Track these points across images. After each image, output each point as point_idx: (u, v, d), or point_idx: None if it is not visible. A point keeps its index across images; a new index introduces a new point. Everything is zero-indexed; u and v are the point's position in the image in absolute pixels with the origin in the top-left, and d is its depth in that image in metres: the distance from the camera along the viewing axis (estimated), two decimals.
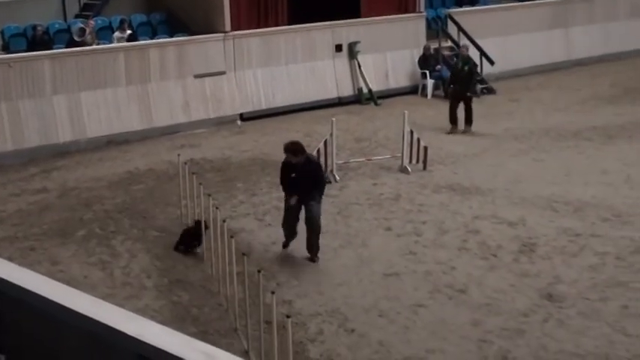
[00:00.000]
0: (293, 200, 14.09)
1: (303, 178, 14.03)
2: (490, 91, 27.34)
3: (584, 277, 13.34)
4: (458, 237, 15.04)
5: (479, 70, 27.57)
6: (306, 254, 14.38)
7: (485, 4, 31.12)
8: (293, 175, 14.13)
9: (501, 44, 28.99)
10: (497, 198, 17.11)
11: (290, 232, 14.59)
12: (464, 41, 23.89)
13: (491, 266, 13.80)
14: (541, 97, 26.72)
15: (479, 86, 26.91)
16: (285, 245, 14.77)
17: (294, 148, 14.26)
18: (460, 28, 28.12)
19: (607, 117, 23.87)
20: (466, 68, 22.77)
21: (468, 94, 22.41)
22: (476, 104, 25.27)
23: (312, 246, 14.28)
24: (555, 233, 15.15)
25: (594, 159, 19.78)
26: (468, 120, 22.31)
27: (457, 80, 22.78)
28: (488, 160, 19.83)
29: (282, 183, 14.56)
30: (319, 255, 14.25)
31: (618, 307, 12.27)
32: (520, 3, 31.65)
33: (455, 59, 26.92)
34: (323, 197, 14.60)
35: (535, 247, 14.54)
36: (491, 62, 27.93)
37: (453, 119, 22.31)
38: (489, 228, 15.50)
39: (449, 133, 22.08)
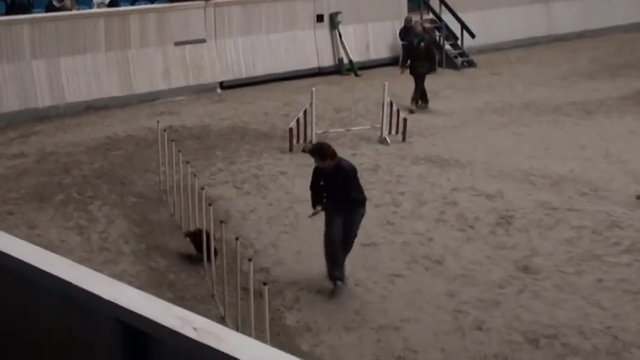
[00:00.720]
0: (318, 210, 12.01)
1: (332, 187, 11.80)
2: (471, 64, 27.40)
3: (559, 250, 13.38)
4: (436, 208, 15.05)
5: (460, 43, 27.67)
6: None
7: None
8: (322, 182, 11.94)
9: (483, 18, 29.04)
10: (475, 170, 17.14)
11: (340, 264, 11.97)
12: (416, 17, 23.31)
13: (468, 238, 13.83)
14: (521, 72, 26.78)
15: (459, 59, 27.00)
16: (338, 278, 11.90)
17: (319, 151, 11.95)
18: (442, 1, 28.09)
19: (586, 92, 23.93)
20: (422, 45, 22.07)
21: (423, 71, 21.76)
22: (457, 76, 25.52)
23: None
24: (532, 206, 15.18)
25: (573, 134, 19.84)
26: (423, 98, 21.90)
27: (412, 57, 22.08)
28: (467, 133, 19.85)
29: (310, 189, 12.25)
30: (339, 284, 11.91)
31: (593, 281, 12.32)
32: None
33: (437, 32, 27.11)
34: (357, 209, 12.08)
35: (512, 220, 14.57)
36: (472, 35, 27.99)
37: (420, 95, 21.94)
38: (467, 200, 15.52)
39: (412, 111, 21.45)
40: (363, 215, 12.16)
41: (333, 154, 11.80)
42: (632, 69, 26.97)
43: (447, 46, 27.54)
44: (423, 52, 21.88)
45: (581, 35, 32.27)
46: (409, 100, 21.56)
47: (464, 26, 27.95)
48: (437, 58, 22.97)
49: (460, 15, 27.97)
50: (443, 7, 28.01)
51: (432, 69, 21.93)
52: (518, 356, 10.31)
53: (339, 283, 11.84)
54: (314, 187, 12.10)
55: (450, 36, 27.87)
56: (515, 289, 12.03)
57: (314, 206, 12.10)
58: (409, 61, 22.19)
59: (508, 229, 14.20)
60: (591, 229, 14.20)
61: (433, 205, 15.21)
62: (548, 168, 17.20)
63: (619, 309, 11.48)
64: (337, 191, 11.75)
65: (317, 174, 12.03)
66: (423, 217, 14.72)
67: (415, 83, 21.85)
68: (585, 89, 24.32)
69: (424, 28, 26.97)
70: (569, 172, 16.96)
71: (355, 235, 12.11)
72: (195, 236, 12.72)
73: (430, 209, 15.02)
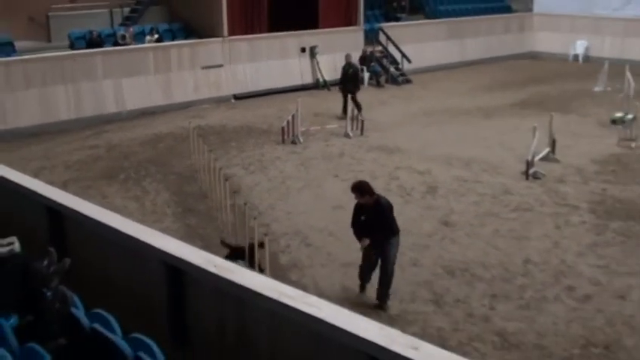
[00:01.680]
0: (365, 243, 9.74)
1: (372, 221, 9.70)
2: (408, 81, 27.27)
3: (469, 209, 13.45)
4: (384, 182, 15.04)
5: (400, 66, 27.70)
6: None
7: (405, 20, 31.08)
8: (363, 217, 9.78)
9: (416, 49, 28.92)
10: (412, 155, 17.13)
11: (365, 279, 10.18)
12: (349, 52, 22.78)
13: (407, 202, 13.86)
14: (443, 87, 26.75)
15: (400, 78, 26.98)
16: (362, 289, 10.24)
17: (359, 188, 9.85)
18: (388, 37, 28.03)
19: (487, 101, 23.95)
20: (350, 71, 21.41)
21: (351, 90, 20.62)
22: (398, 90, 25.48)
23: (381, 293, 9.88)
24: (451, 180, 15.23)
25: (478, 129, 19.84)
26: (358, 108, 20.53)
27: (344, 80, 21.31)
28: (406, 130, 19.80)
29: (352, 225, 9.94)
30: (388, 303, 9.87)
31: (492, 230, 12.42)
32: (428, 20, 31.76)
33: (385, 59, 27.11)
34: (393, 239, 9.82)
35: (437, 189, 14.62)
36: (409, 61, 27.95)
37: (345, 109, 20.29)
38: (406, 176, 15.54)
39: (340, 119, 20.60)
40: (397, 244, 9.91)
41: (371, 191, 9.78)
42: (517, 85, 27.07)
43: (392, 69, 27.45)
44: (352, 76, 21.29)
45: (483, 61, 32.36)
46: (367, 106, 21.52)
47: (403, 54, 27.88)
48: (359, 81, 22.15)
49: (401, 46, 27.92)
50: (389, 41, 27.96)
51: (356, 88, 21.02)
52: (441, 283, 10.40)
53: (387, 303, 9.86)
54: (355, 223, 9.87)
55: (394, 61, 27.80)
56: (439, 237, 12.11)
57: (359, 240, 9.84)
58: (341, 83, 21.55)
59: (434, 196, 14.26)
60: (491, 195, 14.28)
61: (383, 180, 15.19)
62: (461, 153, 17.22)
63: (509, 249, 11.60)
64: (377, 226, 9.68)
65: (358, 210, 9.85)
66: (375, 188, 14.63)
67: (344, 98, 20.72)
68: (486, 99, 24.33)
69: (376, 56, 27.00)
70: (476, 156, 16.98)
71: (393, 263, 9.86)
72: (231, 249, 10.28)
73: (381, 182, 14.97)
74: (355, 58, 23.70)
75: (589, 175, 15.63)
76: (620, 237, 12.14)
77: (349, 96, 20.28)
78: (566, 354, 8.53)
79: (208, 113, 22.09)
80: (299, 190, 14.71)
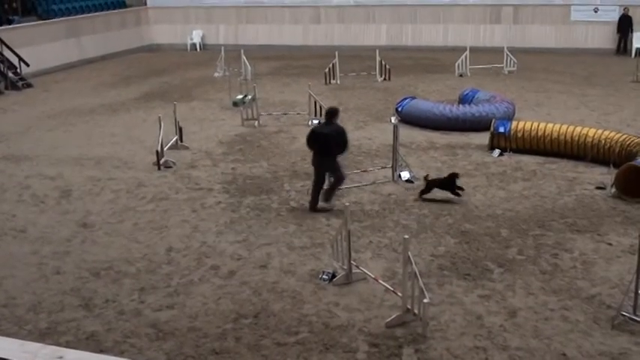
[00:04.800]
0: None
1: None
2: (29, 85, 25.98)
3: (106, 208, 13.21)
4: (16, 192, 14.22)
5: (19, 70, 26.29)
6: None
7: (18, 23, 29.49)
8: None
9: (34, 51, 27.67)
10: (41, 161, 16.38)
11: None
12: None
13: (42, 210, 13.23)
14: (65, 87, 25.96)
15: (20, 82, 25.65)
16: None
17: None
18: (2, 42, 26.31)
19: (112, 97, 23.72)
20: None
21: None
22: (20, 95, 24.30)
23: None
24: (84, 180, 14.83)
25: (106, 127, 19.53)
26: None
27: None
28: (32, 135, 18.81)
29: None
30: None
31: (131, 225, 12.33)
32: (43, 21, 30.54)
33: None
34: None
35: (71, 192, 14.15)
36: (27, 64, 26.64)
37: None
38: (37, 183, 14.82)
39: None
40: None
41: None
42: (139, 78, 27.21)
43: (10, 74, 25.91)
44: None
45: (103, 57, 32.03)
46: None
47: (20, 58, 26.40)
48: None
49: (17, 49, 26.41)
50: (3, 45, 26.28)
51: None
52: (88, 286, 10.11)
53: None
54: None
55: (11, 66, 26.24)
56: (79, 241, 11.73)
57: None
58: None
59: (69, 199, 13.77)
60: (126, 190, 14.17)
61: (14, 191, 14.35)
62: (91, 152, 16.87)
63: (150, 241, 11.63)
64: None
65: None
66: (6, 200, 13.88)
67: None
68: (111, 95, 24.08)
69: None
70: (106, 154, 16.74)
71: None
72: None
73: (12, 194, 14.19)
74: None
75: (218, 157, 16.21)
76: (254, 211, 12.77)
77: None
78: (219, 330, 8.79)
79: None
80: None
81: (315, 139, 12.35)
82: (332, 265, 10.27)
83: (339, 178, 12.61)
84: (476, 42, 30.10)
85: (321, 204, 12.66)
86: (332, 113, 12.51)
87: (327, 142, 12.19)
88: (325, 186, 12.67)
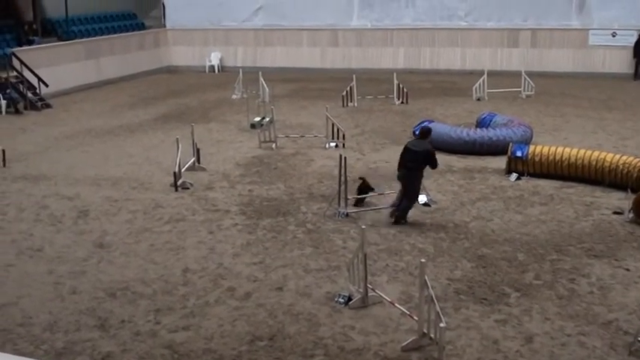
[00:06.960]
0: None
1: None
2: (48, 105, 26.21)
3: (122, 228, 13.26)
4: (34, 212, 14.31)
5: (38, 91, 26.53)
6: None
7: (39, 44, 29.84)
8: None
9: (53, 72, 27.97)
10: (58, 181, 16.51)
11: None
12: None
13: (58, 230, 13.31)
14: (84, 108, 26.19)
15: (39, 103, 25.86)
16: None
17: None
18: (22, 62, 26.66)
19: (129, 118, 23.91)
20: None
21: None
22: (39, 116, 24.50)
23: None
24: (101, 201, 14.92)
25: (123, 148, 19.68)
26: None
27: None
28: (50, 155, 19.00)
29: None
30: None
31: (147, 246, 12.36)
32: (63, 42, 30.88)
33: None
34: None
35: (88, 212, 14.22)
36: (46, 85, 26.87)
37: None
38: (55, 203, 14.92)
39: None
40: None
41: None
42: (157, 99, 27.45)
43: (29, 94, 26.16)
44: None
45: (122, 79, 32.29)
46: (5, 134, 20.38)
47: (39, 79, 26.65)
48: None
49: (36, 70, 26.68)
50: (23, 66, 26.58)
51: None
52: (104, 306, 10.13)
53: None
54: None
55: (31, 86, 26.51)
56: (95, 261, 11.77)
57: None
58: None
59: (86, 220, 13.84)
60: (143, 211, 14.23)
61: (32, 210, 14.46)
62: (108, 173, 16.99)
63: (167, 262, 11.63)
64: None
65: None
66: (23, 220, 13.98)
67: None
68: (128, 116, 24.28)
69: (11, 82, 25.57)
70: (124, 174, 16.86)
71: None
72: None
73: (30, 213, 14.30)
74: None
75: (235, 179, 16.28)
76: (270, 233, 12.79)
77: None
78: (234, 352, 8.79)
79: None
80: None
81: (406, 152, 13.08)
82: (348, 288, 10.26)
83: (411, 198, 13.21)
84: (493, 66, 30.19)
85: (393, 224, 13.19)
86: (425, 132, 13.30)
87: (415, 158, 12.87)
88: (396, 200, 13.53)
